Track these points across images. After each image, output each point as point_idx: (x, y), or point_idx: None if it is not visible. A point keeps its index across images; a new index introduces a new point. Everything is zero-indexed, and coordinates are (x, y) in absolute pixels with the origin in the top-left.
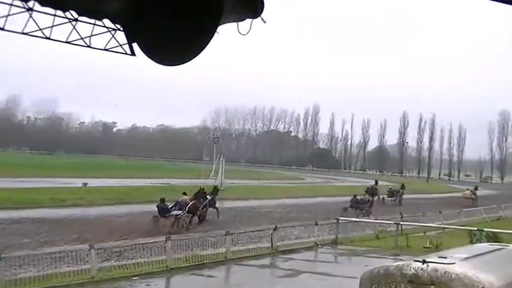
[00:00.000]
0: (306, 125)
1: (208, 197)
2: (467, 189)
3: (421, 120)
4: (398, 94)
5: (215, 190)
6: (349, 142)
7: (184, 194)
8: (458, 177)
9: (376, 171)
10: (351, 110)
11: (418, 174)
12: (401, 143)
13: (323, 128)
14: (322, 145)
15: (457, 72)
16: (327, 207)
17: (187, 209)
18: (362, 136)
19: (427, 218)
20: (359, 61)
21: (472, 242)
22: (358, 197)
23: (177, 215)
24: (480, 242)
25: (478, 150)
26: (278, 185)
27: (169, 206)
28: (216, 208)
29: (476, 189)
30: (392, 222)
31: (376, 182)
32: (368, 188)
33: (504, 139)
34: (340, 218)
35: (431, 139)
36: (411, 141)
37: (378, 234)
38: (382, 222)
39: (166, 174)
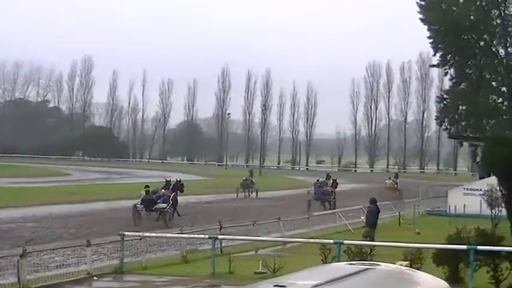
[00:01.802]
0: (73, 91)
1: None
2: (389, 179)
3: (249, 80)
4: (209, 43)
5: None
6: (139, 116)
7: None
8: (307, 165)
9: (183, 159)
10: (144, 68)
11: (247, 161)
12: (221, 115)
13: (99, 96)
14: (98, 122)
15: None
16: (107, 216)
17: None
18: (160, 106)
19: (261, 228)
20: None
21: (325, 261)
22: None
23: (163, 208)
24: (338, 261)
25: (336, 124)
26: (29, 185)
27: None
28: None
29: (397, 177)
30: (206, 236)
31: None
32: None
33: (373, 107)
34: (127, 233)
35: (264, 108)
36: (236, 112)
37: (185, 255)
38: (192, 237)
39: None
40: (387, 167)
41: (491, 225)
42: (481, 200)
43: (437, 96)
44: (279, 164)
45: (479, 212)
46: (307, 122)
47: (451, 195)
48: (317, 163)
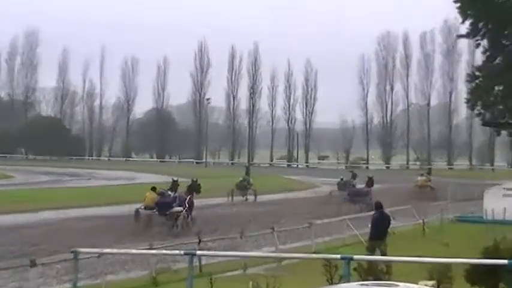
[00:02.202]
0: (13, 73)
1: None
2: (422, 175)
3: (232, 58)
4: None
5: None
6: (97, 103)
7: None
8: (306, 162)
9: (152, 156)
10: (102, 45)
11: (232, 158)
12: (199, 100)
13: (46, 79)
14: (46, 111)
15: None
16: (58, 227)
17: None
18: (123, 91)
19: (251, 241)
20: None
21: (331, 281)
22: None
23: (179, 212)
24: (347, 281)
25: (342, 111)
26: None
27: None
28: None
29: (429, 173)
30: (181, 252)
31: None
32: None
33: (388, 88)
34: (82, 249)
35: (252, 92)
36: (217, 98)
37: (155, 276)
38: (164, 254)
39: None
40: (407, 163)
41: None
42: None
43: (468, 74)
44: (271, 161)
45: None
46: (305, 109)
47: (488, 197)
48: (319, 159)
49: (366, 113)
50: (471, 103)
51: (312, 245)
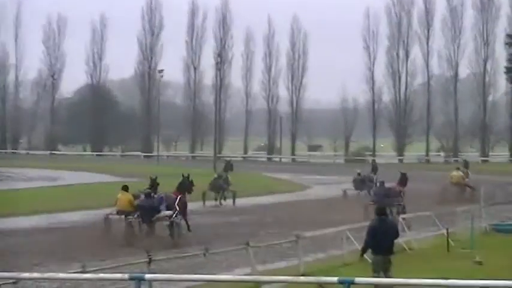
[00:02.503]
0: None
1: None
2: (458, 169)
3: (193, 15)
4: None
5: None
6: (11, 77)
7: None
8: (293, 154)
9: (86, 149)
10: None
11: (192, 150)
12: (148, 73)
13: None
14: None
15: None
16: None
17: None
18: (46, 61)
19: (220, 260)
20: None
21: None
22: (386, 184)
23: (169, 216)
24: None
25: (341, 86)
26: None
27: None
28: None
29: (467, 166)
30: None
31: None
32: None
33: (402, 54)
34: None
35: (220, 62)
36: (173, 69)
37: None
38: (102, 279)
39: None
40: (426, 154)
41: None
42: None
43: (508, 35)
44: (245, 153)
45: None
46: (291, 83)
47: None
48: (310, 150)
49: (373, 89)
50: None
51: (299, 264)
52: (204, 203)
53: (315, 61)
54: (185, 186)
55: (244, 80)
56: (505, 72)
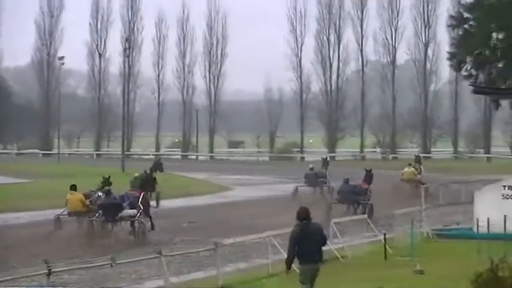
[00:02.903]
0: None
1: None
2: (410, 165)
3: None
4: None
5: None
6: None
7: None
8: (211, 152)
9: None
10: None
11: (97, 147)
12: (47, 60)
13: None
14: None
15: None
16: None
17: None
18: None
19: (128, 271)
20: None
21: None
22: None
23: (132, 215)
24: None
25: (265, 74)
26: None
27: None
28: None
29: (419, 162)
30: None
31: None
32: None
33: (333, 38)
34: None
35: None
36: (74, 55)
37: None
38: None
39: None
40: (361, 151)
41: None
42: None
43: (452, 16)
44: (157, 150)
45: None
46: (209, 71)
47: (480, 201)
48: (230, 147)
49: (300, 77)
50: (457, 60)
51: (218, 275)
52: None
53: (236, 46)
54: (147, 183)
55: (155, 68)
56: (448, 58)
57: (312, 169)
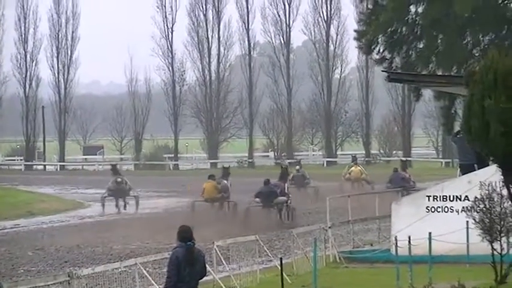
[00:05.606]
0: None
1: None
2: (355, 163)
3: None
4: None
5: None
6: None
7: None
8: (62, 160)
9: None
10: None
11: None
12: None
13: None
14: None
15: None
16: None
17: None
18: None
19: None
20: None
21: None
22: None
23: (284, 202)
24: None
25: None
26: None
27: None
28: None
29: (355, 161)
30: None
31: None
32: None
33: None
34: None
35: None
36: None
37: None
38: None
39: None
40: (250, 155)
41: (494, 280)
42: (467, 223)
43: None
44: None
45: (465, 250)
46: (57, 59)
47: (399, 215)
48: (86, 154)
49: (172, 65)
50: (366, 40)
51: None
52: (103, 209)
53: (91, 27)
54: (285, 175)
55: None
56: (355, 38)
57: (298, 170)
